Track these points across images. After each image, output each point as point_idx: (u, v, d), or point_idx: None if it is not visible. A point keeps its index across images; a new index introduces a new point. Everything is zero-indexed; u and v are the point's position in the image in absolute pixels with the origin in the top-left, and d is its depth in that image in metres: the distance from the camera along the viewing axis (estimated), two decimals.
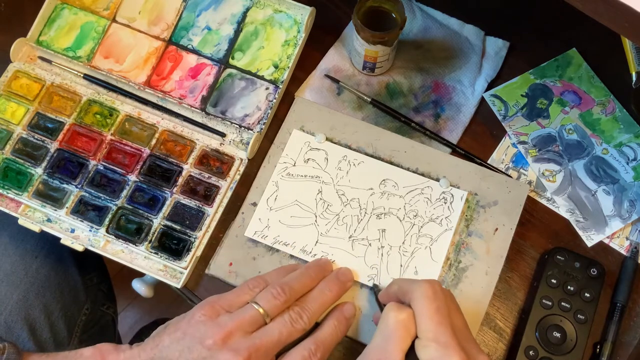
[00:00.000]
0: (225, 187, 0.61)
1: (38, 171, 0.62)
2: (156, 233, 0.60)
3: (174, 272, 0.59)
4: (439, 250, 0.59)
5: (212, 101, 0.64)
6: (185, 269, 0.58)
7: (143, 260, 0.59)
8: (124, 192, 0.61)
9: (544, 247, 0.62)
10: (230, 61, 0.65)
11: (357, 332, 0.56)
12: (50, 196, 0.61)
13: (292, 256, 0.59)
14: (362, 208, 0.60)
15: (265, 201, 0.61)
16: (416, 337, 0.46)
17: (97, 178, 0.61)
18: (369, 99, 0.66)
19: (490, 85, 0.67)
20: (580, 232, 0.62)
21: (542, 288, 0.58)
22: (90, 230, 0.60)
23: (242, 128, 0.63)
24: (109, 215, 0.60)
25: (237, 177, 0.62)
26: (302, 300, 0.52)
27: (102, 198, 0.61)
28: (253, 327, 0.49)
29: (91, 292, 0.73)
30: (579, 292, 0.58)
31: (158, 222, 0.60)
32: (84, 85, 0.65)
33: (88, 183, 0.61)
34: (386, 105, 0.66)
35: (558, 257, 0.59)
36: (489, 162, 0.65)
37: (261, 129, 0.63)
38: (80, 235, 0.60)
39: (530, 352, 0.56)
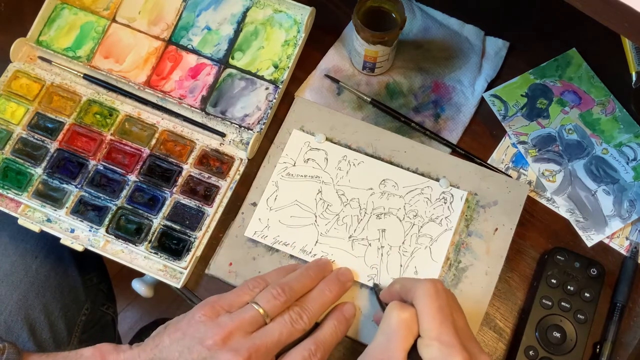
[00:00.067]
0: (225, 187, 0.61)
1: (38, 171, 0.62)
2: (156, 233, 0.60)
3: (174, 272, 0.59)
4: (439, 250, 0.59)
5: (212, 101, 0.64)
6: (185, 269, 0.58)
7: (143, 260, 0.59)
8: (124, 192, 0.61)
9: (544, 247, 0.62)
10: (230, 61, 0.65)
11: (357, 332, 0.56)
12: (50, 196, 0.61)
13: (292, 256, 0.59)
14: (362, 208, 0.60)
15: (265, 201, 0.61)
16: (418, 336, 0.46)
17: (97, 178, 0.61)
18: (369, 99, 0.66)
19: (490, 85, 0.67)
20: (580, 232, 0.62)
21: (542, 288, 0.58)
22: (90, 230, 0.60)
23: (242, 128, 0.63)
24: (109, 215, 0.60)
25: (237, 177, 0.62)
26: (302, 301, 0.52)
27: (102, 198, 0.61)
28: (253, 327, 0.49)
29: (91, 292, 0.73)
30: (579, 292, 0.58)
31: (158, 222, 0.60)
32: (84, 85, 0.65)
33: (88, 183, 0.61)
34: (386, 105, 0.66)
35: (558, 257, 0.59)
36: (489, 162, 0.65)
37: (261, 129, 0.63)
38: (80, 235, 0.60)
39: (530, 352, 0.56)
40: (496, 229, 0.59)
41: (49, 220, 0.61)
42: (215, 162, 0.62)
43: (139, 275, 0.63)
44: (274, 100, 0.63)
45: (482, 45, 0.68)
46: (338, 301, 0.55)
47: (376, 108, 0.66)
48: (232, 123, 0.63)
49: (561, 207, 0.63)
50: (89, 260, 0.74)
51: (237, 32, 0.65)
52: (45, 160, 0.62)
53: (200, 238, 0.60)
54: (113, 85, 0.65)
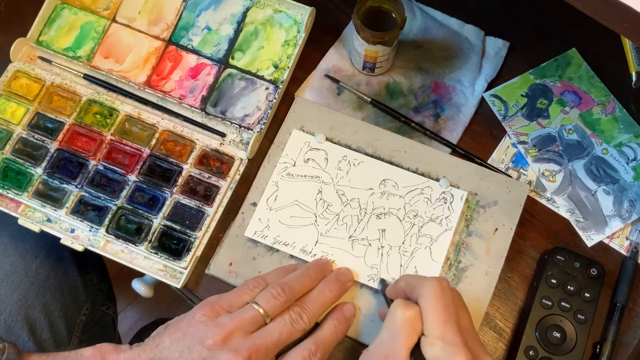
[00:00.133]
0: (225, 187, 0.61)
1: (38, 171, 0.62)
2: (156, 233, 0.60)
3: (174, 272, 0.59)
4: (439, 250, 0.59)
5: (212, 101, 0.64)
6: (185, 269, 0.58)
7: (143, 260, 0.59)
8: (124, 192, 0.61)
9: (544, 247, 0.62)
10: (230, 61, 0.65)
11: (357, 332, 0.56)
12: (50, 196, 0.61)
13: (292, 256, 0.59)
14: (362, 208, 0.60)
15: (265, 201, 0.61)
16: (422, 334, 0.46)
17: (97, 178, 0.61)
18: (369, 99, 0.66)
19: (490, 85, 0.67)
20: (580, 232, 0.62)
21: (542, 288, 0.58)
22: (90, 230, 0.60)
23: (242, 128, 0.63)
24: (109, 215, 0.60)
25: (237, 177, 0.62)
26: (302, 301, 0.52)
27: (102, 198, 0.61)
28: (253, 327, 0.49)
29: (91, 292, 0.73)
30: (579, 292, 0.58)
31: (158, 222, 0.60)
32: (84, 85, 0.65)
33: (88, 183, 0.61)
34: (386, 105, 0.66)
35: (558, 257, 0.59)
36: (489, 162, 0.65)
37: (261, 129, 0.63)
38: (80, 235, 0.60)
39: (530, 352, 0.56)
40: (496, 229, 0.59)
41: (49, 220, 0.61)
42: (215, 162, 0.62)
43: (139, 275, 0.63)
44: (274, 100, 0.63)
45: (482, 45, 0.68)
46: (338, 301, 0.55)
47: (376, 108, 0.66)
48: (232, 123, 0.63)
49: (561, 207, 0.63)
50: (89, 260, 0.74)
51: (237, 32, 0.65)
52: (46, 160, 0.62)
53: (200, 238, 0.60)
54: (113, 85, 0.65)
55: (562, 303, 0.57)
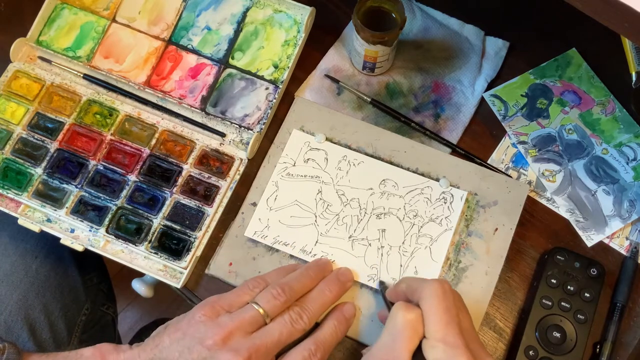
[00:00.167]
0: (225, 187, 0.61)
1: (38, 171, 0.62)
2: (156, 233, 0.60)
3: (174, 272, 0.59)
4: (439, 250, 0.59)
5: (212, 101, 0.64)
6: (185, 269, 0.58)
7: (143, 260, 0.59)
8: (124, 192, 0.61)
9: (544, 247, 0.62)
10: (230, 61, 0.65)
11: (357, 332, 0.56)
12: (50, 196, 0.61)
13: (292, 256, 0.59)
14: (362, 208, 0.60)
15: (265, 201, 0.61)
16: (424, 337, 0.46)
17: (97, 178, 0.61)
18: (369, 99, 0.66)
19: (490, 85, 0.67)
20: (580, 232, 0.62)
21: (542, 288, 0.58)
22: (90, 230, 0.60)
23: (242, 128, 0.63)
24: (109, 215, 0.60)
25: (237, 177, 0.62)
26: (302, 301, 0.52)
27: (102, 198, 0.61)
28: (253, 327, 0.49)
29: (91, 292, 0.73)
30: (579, 292, 0.58)
31: (158, 222, 0.60)
32: (84, 85, 0.65)
33: (88, 183, 0.61)
34: (386, 105, 0.66)
35: (558, 257, 0.59)
36: (488, 162, 0.65)
37: (261, 129, 0.63)
38: (80, 235, 0.60)
39: (530, 352, 0.56)
40: (496, 229, 0.59)
41: (49, 220, 0.61)
42: (215, 162, 0.62)
43: (139, 275, 0.63)
44: (274, 100, 0.63)
45: (482, 45, 0.68)
46: (338, 301, 0.55)
47: (376, 108, 0.66)
48: (232, 123, 0.63)
49: (561, 207, 0.63)
50: (89, 260, 0.74)
51: (237, 32, 0.65)
52: (45, 160, 0.62)
53: (200, 238, 0.60)
54: (113, 85, 0.65)
55: (562, 303, 0.57)
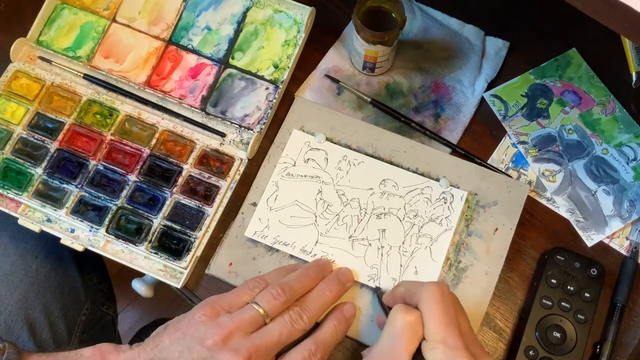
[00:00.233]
0: (225, 187, 0.61)
1: (38, 171, 0.62)
2: (156, 233, 0.60)
3: (174, 272, 0.59)
4: (439, 250, 0.59)
5: (212, 101, 0.64)
6: (185, 269, 0.58)
7: (143, 260, 0.59)
8: (124, 192, 0.61)
9: (544, 247, 0.62)
10: (230, 61, 0.65)
11: (357, 332, 0.56)
12: (50, 196, 0.61)
13: (292, 256, 0.59)
14: (362, 208, 0.60)
15: (265, 201, 0.61)
16: (423, 338, 0.46)
17: (97, 178, 0.61)
18: (369, 99, 0.66)
19: (490, 85, 0.67)
20: (580, 232, 0.62)
21: (542, 288, 0.58)
22: (90, 230, 0.60)
23: (242, 128, 0.63)
24: (109, 215, 0.60)
25: (237, 177, 0.62)
26: (302, 301, 0.52)
27: (102, 198, 0.61)
28: (253, 327, 0.49)
29: (91, 292, 0.73)
30: (579, 292, 0.58)
31: (158, 222, 0.60)
32: (84, 85, 0.65)
33: (88, 183, 0.61)
34: (386, 105, 0.66)
35: (558, 257, 0.59)
36: (489, 162, 0.65)
37: (261, 129, 0.63)
38: (80, 235, 0.60)
39: (530, 352, 0.56)
40: (496, 229, 0.59)
41: (49, 220, 0.61)
42: (216, 162, 0.62)
43: (139, 275, 0.63)
44: (274, 100, 0.63)
45: (482, 45, 0.68)
46: (338, 301, 0.55)
47: (376, 108, 0.66)
48: (232, 123, 0.63)
49: (561, 207, 0.63)
50: (89, 260, 0.74)
51: (237, 32, 0.65)
52: (46, 160, 0.62)
53: (200, 238, 0.60)
54: (113, 85, 0.65)
55: (562, 303, 0.57)
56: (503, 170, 0.64)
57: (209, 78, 0.65)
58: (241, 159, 0.62)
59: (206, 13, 0.66)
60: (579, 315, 0.57)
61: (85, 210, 0.60)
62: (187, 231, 0.60)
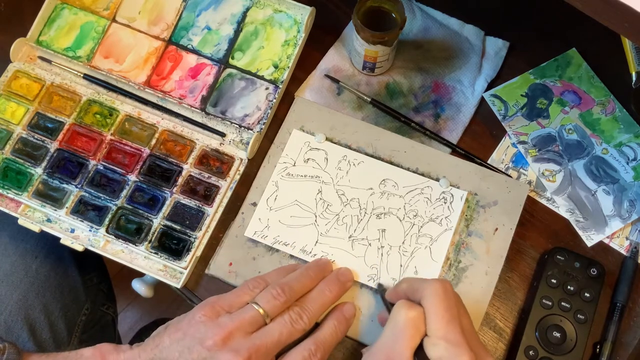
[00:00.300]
0: (225, 187, 0.61)
1: (38, 171, 0.62)
2: (156, 233, 0.60)
3: (174, 272, 0.59)
4: (439, 250, 0.59)
5: (212, 101, 0.64)
6: (185, 269, 0.58)
7: (143, 260, 0.59)
8: (124, 192, 0.61)
9: (544, 247, 0.62)
10: (230, 61, 0.65)
11: (357, 332, 0.56)
12: (50, 196, 0.61)
13: (292, 256, 0.59)
14: (362, 208, 0.60)
15: (265, 201, 0.61)
16: (425, 335, 0.46)
17: (97, 178, 0.61)
18: (369, 99, 0.66)
19: (490, 85, 0.67)
20: (580, 232, 0.62)
21: (542, 288, 0.58)
22: (90, 230, 0.60)
23: (242, 128, 0.63)
24: (109, 215, 0.60)
25: (237, 177, 0.62)
26: (302, 301, 0.52)
27: (102, 198, 0.61)
28: (253, 327, 0.49)
29: (91, 292, 0.73)
30: (579, 292, 0.58)
31: (158, 222, 0.60)
32: (84, 85, 0.65)
33: (88, 183, 0.61)
34: (386, 105, 0.66)
35: (558, 257, 0.59)
36: (488, 162, 0.65)
37: (261, 129, 0.63)
38: (80, 235, 0.60)
39: (530, 352, 0.56)
40: (496, 229, 0.59)
41: (49, 220, 0.61)
42: (215, 162, 0.62)
43: (139, 275, 0.63)
44: (274, 100, 0.63)
45: (482, 45, 0.68)
46: (338, 301, 0.55)
47: (376, 108, 0.66)
48: (232, 123, 0.63)
49: (561, 207, 0.63)
50: (89, 260, 0.74)
51: (237, 32, 0.65)
52: (45, 160, 0.62)
53: (200, 238, 0.60)
54: (113, 85, 0.65)
55: (562, 303, 0.57)
56: (503, 170, 0.64)
57: (208, 78, 0.65)
58: (241, 159, 0.62)
59: (206, 13, 0.66)
60: (579, 315, 0.57)
61: (85, 210, 0.60)
62: (187, 231, 0.60)
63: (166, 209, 0.60)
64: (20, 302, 0.64)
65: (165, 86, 0.65)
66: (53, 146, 0.62)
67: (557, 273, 0.58)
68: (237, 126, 0.63)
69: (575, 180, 0.64)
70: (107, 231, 0.60)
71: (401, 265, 0.58)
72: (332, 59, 0.68)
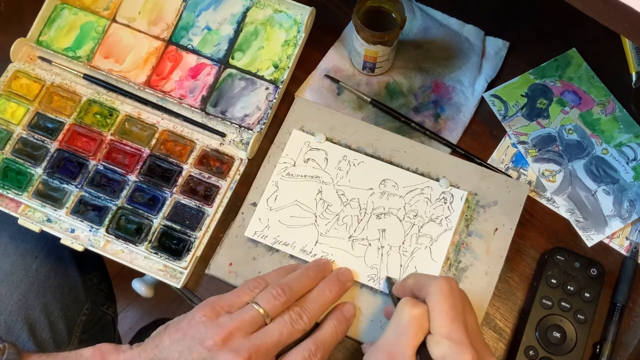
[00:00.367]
0: (225, 187, 0.61)
1: (38, 171, 0.62)
2: (156, 233, 0.60)
3: (174, 272, 0.59)
4: (439, 250, 0.59)
5: (212, 101, 0.64)
6: (185, 269, 0.58)
7: (143, 260, 0.59)
8: (124, 192, 0.61)
9: (544, 247, 0.62)
10: (230, 61, 0.65)
11: (357, 332, 0.56)
12: (50, 196, 0.61)
13: (292, 256, 0.59)
14: (362, 208, 0.60)
15: (265, 201, 0.61)
16: (429, 332, 0.46)
17: (97, 178, 0.61)
18: (369, 99, 0.66)
19: (490, 85, 0.67)
20: (580, 232, 0.62)
21: (542, 288, 0.58)
22: (90, 230, 0.60)
23: (242, 128, 0.63)
24: (109, 215, 0.60)
25: (237, 177, 0.62)
26: (302, 301, 0.52)
27: (102, 198, 0.61)
28: (253, 327, 0.49)
29: (91, 292, 0.73)
30: (579, 292, 0.58)
31: (158, 222, 0.60)
32: (84, 85, 0.65)
33: (88, 183, 0.61)
34: (386, 105, 0.66)
35: (558, 257, 0.59)
36: (488, 162, 0.65)
37: (261, 129, 0.63)
38: (80, 235, 0.60)
39: (530, 352, 0.56)
40: (496, 229, 0.59)
41: (49, 220, 0.61)
42: (215, 162, 0.62)
43: (139, 275, 0.63)
44: (274, 100, 0.63)
45: (482, 45, 0.68)
46: (338, 301, 0.55)
47: (376, 108, 0.66)
48: (232, 123, 0.63)
49: (561, 207, 0.63)
50: (89, 260, 0.74)
51: (237, 32, 0.65)
52: (46, 160, 0.62)
53: (200, 238, 0.60)
54: (113, 85, 0.65)
55: (562, 303, 0.57)
56: (503, 170, 0.64)
57: (209, 78, 0.65)
58: (241, 159, 0.62)
59: (206, 13, 0.66)
60: (579, 315, 0.57)
61: (85, 210, 0.60)
62: (187, 231, 0.60)
63: (166, 209, 0.60)
64: (20, 302, 0.64)
65: (165, 86, 0.65)
66: (53, 146, 0.62)
67: (557, 273, 0.58)
68: (237, 126, 0.63)
69: (575, 181, 0.64)
70: (107, 231, 0.60)
71: (401, 265, 0.58)
72: (332, 59, 0.68)
